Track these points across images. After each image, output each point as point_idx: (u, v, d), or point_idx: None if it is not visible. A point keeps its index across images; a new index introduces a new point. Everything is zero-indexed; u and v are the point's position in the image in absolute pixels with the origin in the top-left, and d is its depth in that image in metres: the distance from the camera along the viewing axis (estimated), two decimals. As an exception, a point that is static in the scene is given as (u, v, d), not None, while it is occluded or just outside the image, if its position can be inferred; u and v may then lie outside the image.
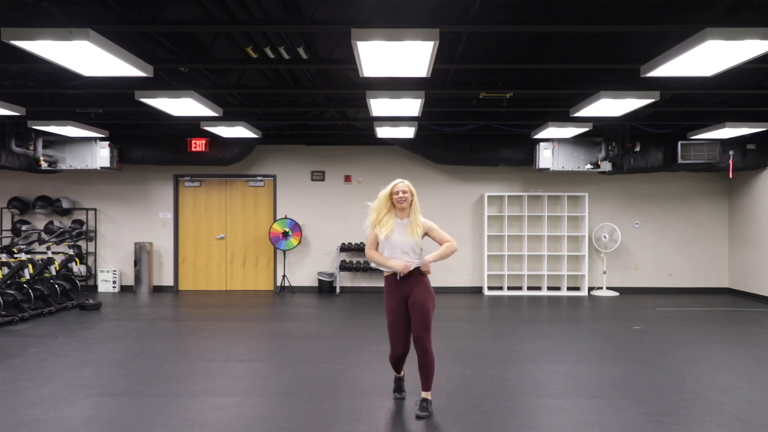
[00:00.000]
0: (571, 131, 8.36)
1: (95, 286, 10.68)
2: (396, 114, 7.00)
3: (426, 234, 4.26)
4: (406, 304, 4.20)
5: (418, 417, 4.11)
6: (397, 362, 4.38)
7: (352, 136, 10.12)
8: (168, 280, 10.77)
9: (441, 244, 4.28)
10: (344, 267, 10.48)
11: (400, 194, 4.19)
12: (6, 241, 9.42)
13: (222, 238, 10.83)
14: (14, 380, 5.02)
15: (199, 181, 10.83)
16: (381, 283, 10.67)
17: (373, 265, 4.45)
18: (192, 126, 8.77)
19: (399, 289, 4.20)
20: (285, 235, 10.31)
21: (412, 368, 4.46)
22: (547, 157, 9.49)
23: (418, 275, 4.21)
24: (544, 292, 10.49)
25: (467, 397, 4.64)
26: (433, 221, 4.33)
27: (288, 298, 9.90)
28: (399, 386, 4.54)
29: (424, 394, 4.23)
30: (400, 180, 4.27)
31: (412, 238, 4.17)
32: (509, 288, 10.62)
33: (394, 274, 4.20)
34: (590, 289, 10.59)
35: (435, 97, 7.31)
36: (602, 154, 9.22)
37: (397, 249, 4.19)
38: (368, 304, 9.21)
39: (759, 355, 6.08)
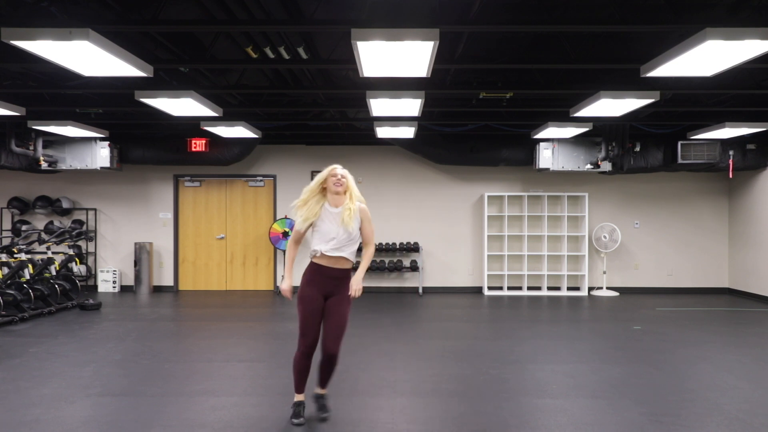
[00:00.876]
0: (571, 131, 8.36)
1: (95, 286, 10.68)
2: (396, 114, 7.00)
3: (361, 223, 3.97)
4: (323, 299, 3.93)
5: (321, 418, 4.02)
6: (305, 364, 3.96)
7: (352, 136, 10.11)
8: (168, 280, 10.77)
9: (363, 241, 4.01)
10: (344, 267, 10.45)
11: (339, 176, 3.92)
12: (6, 241, 9.42)
13: (222, 238, 10.83)
14: (14, 380, 5.02)
15: (199, 181, 10.83)
16: (381, 283, 10.68)
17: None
18: (192, 126, 8.77)
19: (322, 283, 3.91)
20: (285, 235, 10.31)
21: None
22: (547, 157, 9.49)
23: (345, 276, 3.94)
24: (544, 292, 10.49)
25: (467, 397, 4.64)
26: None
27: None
28: (299, 412, 4.04)
29: (321, 391, 4.11)
30: (338, 165, 4.02)
31: (342, 227, 3.87)
32: (509, 288, 10.61)
33: (320, 263, 3.90)
34: (590, 289, 10.59)
35: (435, 97, 7.30)
36: (602, 154, 9.22)
37: (327, 240, 3.88)
38: (367, 304, 9.21)
39: (759, 355, 6.07)
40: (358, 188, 4.10)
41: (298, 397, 4.10)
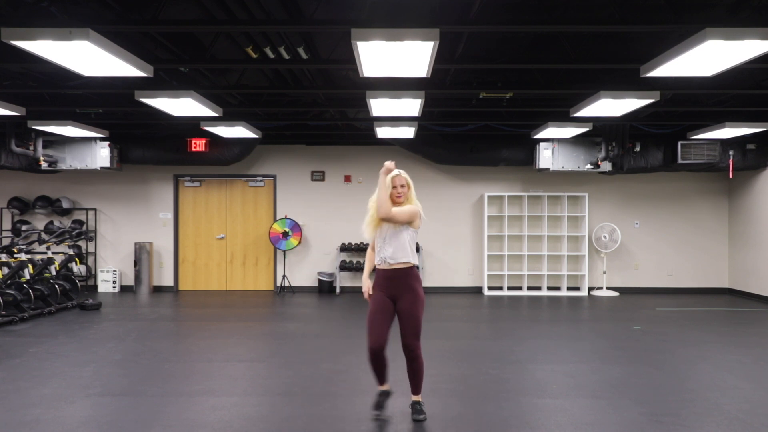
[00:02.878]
0: (571, 131, 8.36)
1: (95, 286, 10.68)
2: (396, 114, 7.00)
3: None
4: (392, 302, 4.02)
5: (416, 420, 4.05)
6: (376, 360, 4.03)
7: (352, 136, 10.12)
8: (168, 280, 10.77)
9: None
10: (344, 267, 10.47)
11: (398, 188, 3.97)
12: (6, 241, 9.41)
13: (222, 238, 10.83)
14: (14, 380, 5.02)
15: (199, 181, 10.83)
16: (381, 283, 10.67)
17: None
18: (192, 126, 8.77)
19: (387, 287, 4.01)
20: (285, 235, 10.31)
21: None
22: (547, 157, 9.49)
23: (406, 277, 3.98)
24: (544, 292, 10.49)
25: (467, 397, 4.64)
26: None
27: (288, 298, 9.90)
28: (381, 402, 4.13)
29: (415, 398, 4.13)
30: (398, 172, 4.01)
31: (393, 227, 3.95)
32: (509, 288, 10.62)
33: (384, 269, 3.99)
34: (590, 289, 10.59)
35: (435, 97, 7.30)
36: (602, 154, 9.22)
37: (384, 241, 3.97)
38: (367, 304, 9.19)
39: (759, 355, 6.08)
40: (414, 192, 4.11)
41: (381, 387, 4.18)
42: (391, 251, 3.98)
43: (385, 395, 4.17)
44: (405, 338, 4.00)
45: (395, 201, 3.99)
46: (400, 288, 4.00)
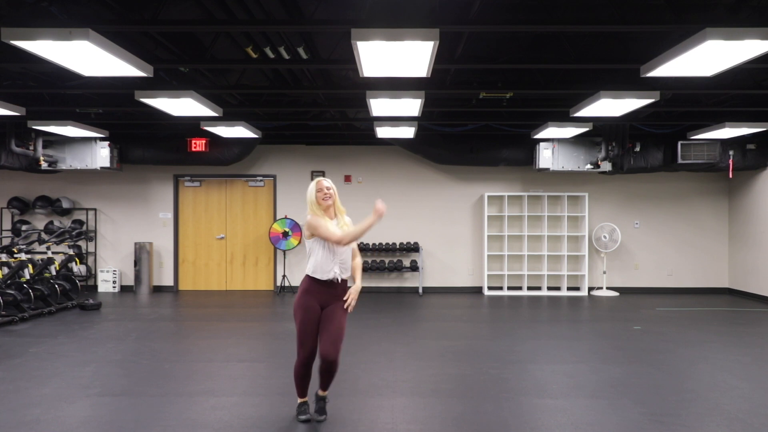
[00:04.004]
0: (571, 131, 8.36)
1: (95, 286, 10.68)
2: (396, 114, 7.00)
3: None
4: (321, 310, 3.94)
5: (318, 420, 4.02)
6: (305, 372, 4.00)
7: (352, 136, 10.12)
8: (168, 280, 10.77)
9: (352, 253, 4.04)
10: (344, 267, 10.45)
11: (325, 190, 3.95)
12: (6, 241, 9.42)
13: (222, 238, 10.83)
14: (14, 380, 5.02)
15: (199, 181, 10.83)
16: (381, 283, 10.68)
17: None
18: (192, 126, 8.77)
19: (322, 294, 3.92)
20: (285, 235, 10.31)
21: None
22: (547, 157, 9.49)
23: (344, 286, 3.99)
24: (544, 292, 10.49)
25: (467, 397, 4.64)
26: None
27: (288, 298, 9.90)
28: (303, 410, 4.11)
29: (322, 393, 4.09)
30: (322, 177, 4.11)
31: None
32: (509, 288, 10.61)
33: (318, 277, 3.92)
34: (590, 289, 10.59)
35: (435, 97, 7.30)
36: (602, 154, 9.22)
37: (336, 255, 3.92)
38: (367, 304, 9.21)
39: (759, 355, 6.08)
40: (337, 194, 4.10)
41: (302, 399, 4.14)
42: (339, 268, 3.95)
43: (305, 404, 4.13)
44: (326, 345, 3.89)
45: (321, 204, 3.95)
46: (336, 297, 3.96)
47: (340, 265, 3.96)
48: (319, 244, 3.93)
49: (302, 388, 4.10)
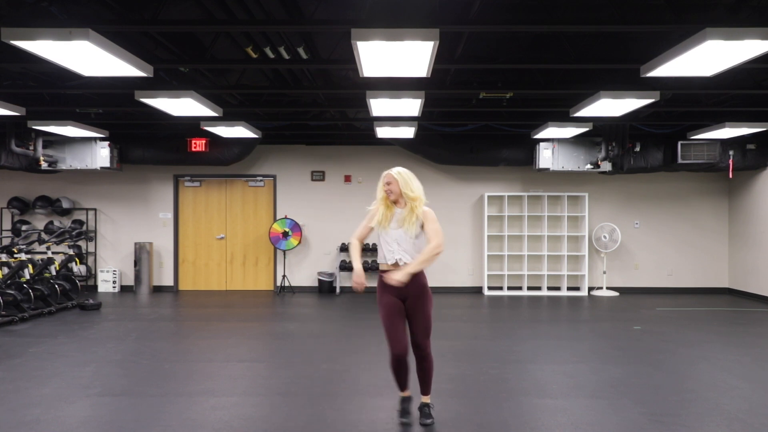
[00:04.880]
0: (571, 131, 8.36)
1: (95, 286, 10.68)
2: (396, 114, 7.00)
3: (422, 226, 3.90)
4: (402, 302, 3.91)
5: (423, 424, 4.00)
6: (399, 366, 3.94)
7: (352, 136, 10.12)
8: (168, 280, 10.77)
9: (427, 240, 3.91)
10: (344, 267, 10.47)
11: (385, 186, 3.95)
12: (6, 241, 9.41)
13: (222, 238, 10.83)
14: (14, 380, 5.02)
15: (199, 181, 10.83)
16: (381, 283, 10.66)
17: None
18: (192, 126, 8.77)
19: (397, 288, 3.86)
20: (285, 235, 10.31)
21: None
22: (547, 157, 9.49)
23: (418, 276, 3.88)
24: (544, 292, 10.49)
25: (467, 397, 4.64)
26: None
27: (288, 298, 9.90)
28: (405, 408, 4.07)
29: (424, 399, 4.09)
30: (388, 171, 3.98)
31: (402, 230, 3.87)
32: (509, 288, 10.62)
33: (386, 269, 3.91)
34: (590, 289, 10.59)
35: (435, 97, 7.30)
36: (602, 154, 9.22)
37: (390, 242, 3.91)
38: (368, 304, 9.21)
39: (759, 355, 6.08)
40: (418, 186, 4.00)
41: (402, 393, 4.10)
42: (405, 254, 3.89)
43: (408, 401, 4.10)
44: (416, 337, 3.95)
45: (389, 198, 3.97)
46: (411, 287, 3.90)
47: (398, 250, 3.89)
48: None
49: (400, 383, 4.06)
